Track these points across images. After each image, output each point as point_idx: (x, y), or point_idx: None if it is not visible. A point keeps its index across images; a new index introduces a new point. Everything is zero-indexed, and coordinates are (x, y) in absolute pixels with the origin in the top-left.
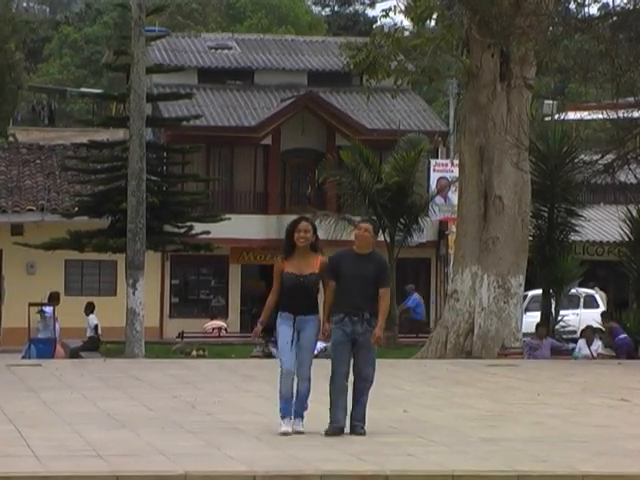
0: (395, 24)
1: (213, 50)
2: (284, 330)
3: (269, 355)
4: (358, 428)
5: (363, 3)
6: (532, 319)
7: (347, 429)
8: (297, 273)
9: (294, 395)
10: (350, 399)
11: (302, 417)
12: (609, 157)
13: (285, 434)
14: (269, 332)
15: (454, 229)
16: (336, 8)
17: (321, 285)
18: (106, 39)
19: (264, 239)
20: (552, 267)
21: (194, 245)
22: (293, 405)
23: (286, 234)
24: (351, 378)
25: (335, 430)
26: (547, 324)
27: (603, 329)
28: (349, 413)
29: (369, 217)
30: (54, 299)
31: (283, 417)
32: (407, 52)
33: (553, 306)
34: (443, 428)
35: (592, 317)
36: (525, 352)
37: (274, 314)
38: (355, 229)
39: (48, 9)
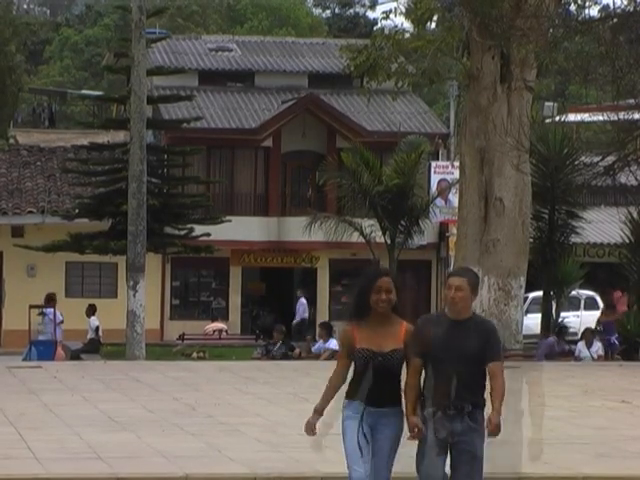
0: (396, 26)
1: (214, 52)
2: (353, 428)
3: (270, 354)
4: None
5: (364, 5)
6: (532, 321)
7: None
8: (375, 349)
9: None
10: None
11: None
12: (609, 159)
13: None
14: (268, 333)
15: (455, 231)
16: (337, 10)
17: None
18: (106, 41)
19: (265, 241)
20: (553, 269)
21: (195, 247)
22: None
23: (358, 293)
24: None
25: None
26: (547, 326)
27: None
28: None
29: (465, 268)
30: (51, 300)
31: None
32: (408, 54)
33: (554, 308)
34: None
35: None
36: (540, 353)
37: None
38: (445, 287)
39: (48, 11)
